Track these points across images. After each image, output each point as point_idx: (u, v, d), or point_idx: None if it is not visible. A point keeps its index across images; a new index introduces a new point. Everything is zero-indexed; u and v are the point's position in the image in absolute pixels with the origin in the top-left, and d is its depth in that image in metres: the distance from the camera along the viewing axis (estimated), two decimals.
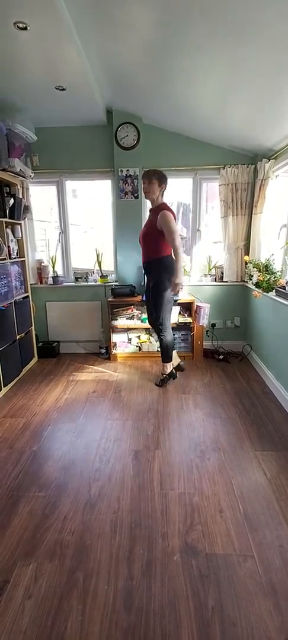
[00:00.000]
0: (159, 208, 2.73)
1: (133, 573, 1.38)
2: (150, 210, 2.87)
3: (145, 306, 3.28)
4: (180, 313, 3.65)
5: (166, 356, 3.05)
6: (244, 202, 3.51)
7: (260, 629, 1.18)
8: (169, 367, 3.09)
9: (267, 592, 1.30)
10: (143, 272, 3.29)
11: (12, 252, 3.23)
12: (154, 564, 1.41)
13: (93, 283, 3.88)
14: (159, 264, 2.80)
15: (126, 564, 1.42)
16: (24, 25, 1.87)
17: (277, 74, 2.03)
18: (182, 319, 3.61)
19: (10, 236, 3.23)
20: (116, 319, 3.66)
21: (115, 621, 1.21)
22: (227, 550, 1.47)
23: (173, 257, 2.73)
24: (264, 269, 3.12)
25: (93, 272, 3.97)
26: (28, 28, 1.90)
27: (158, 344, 3.14)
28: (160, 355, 3.13)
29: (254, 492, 1.80)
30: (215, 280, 3.82)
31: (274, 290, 2.87)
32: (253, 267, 3.28)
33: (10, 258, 3.18)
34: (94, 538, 1.54)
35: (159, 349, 3.09)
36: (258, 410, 2.62)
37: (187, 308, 3.71)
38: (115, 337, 3.73)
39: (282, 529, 1.57)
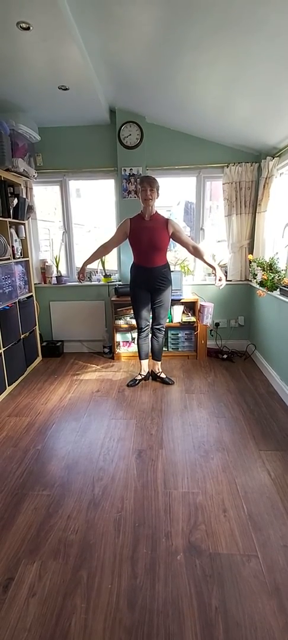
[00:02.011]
0: (160, 217, 2.74)
1: (137, 572, 1.38)
2: (147, 219, 2.70)
3: (141, 307, 2.92)
4: (183, 312, 3.64)
5: (161, 354, 3.16)
6: (248, 201, 3.50)
7: (264, 629, 1.17)
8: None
9: (271, 592, 1.29)
10: (135, 274, 2.87)
11: (16, 252, 3.25)
12: (158, 563, 1.41)
13: (97, 283, 3.88)
14: (168, 270, 2.87)
15: (130, 563, 1.42)
16: (27, 26, 1.88)
17: (279, 66, 2.00)
18: (185, 318, 3.60)
19: (14, 236, 3.24)
20: (120, 319, 3.66)
21: (119, 619, 1.21)
22: (231, 550, 1.46)
23: (197, 255, 2.81)
24: (268, 268, 3.10)
25: (96, 271, 3.98)
26: (31, 28, 1.90)
27: (150, 345, 3.10)
28: (151, 354, 3.17)
29: (258, 491, 1.79)
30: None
31: (278, 289, 2.85)
32: (258, 266, 3.26)
33: (14, 258, 3.20)
34: (97, 537, 1.55)
35: (154, 350, 3.09)
36: (263, 410, 2.61)
37: (190, 307, 3.70)
38: (119, 337, 3.73)
39: (286, 529, 1.56)
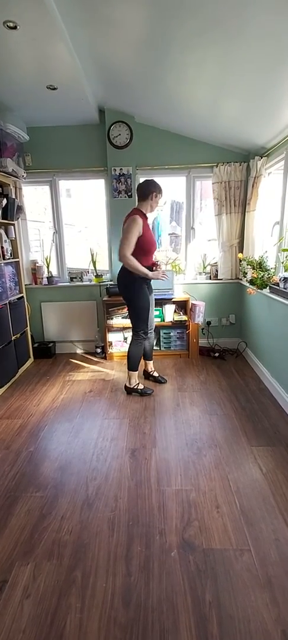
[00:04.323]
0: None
1: (131, 570, 1.39)
2: (146, 218, 2.63)
3: (147, 311, 2.73)
4: (175, 311, 3.66)
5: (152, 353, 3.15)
6: (237, 200, 3.53)
7: (257, 621, 1.19)
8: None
9: (264, 585, 1.32)
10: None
11: (5, 253, 3.22)
12: (152, 561, 1.42)
13: (88, 283, 3.87)
14: None
15: (124, 561, 1.42)
16: (14, 25, 1.86)
17: (266, 67, 2.03)
18: (177, 317, 3.62)
19: (4, 237, 3.21)
20: (112, 318, 3.66)
21: (114, 618, 1.22)
22: (224, 545, 1.48)
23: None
24: (258, 266, 3.14)
25: (88, 271, 3.96)
26: (18, 27, 1.89)
27: (150, 346, 3.06)
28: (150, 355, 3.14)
29: (250, 487, 1.82)
30: (210, 278, 3.84)
31: (268, 287, 2.89)
32: (247, 265, 3.30)
33: (4, 259, 3.16)
34: (91, 536, 1.55)
35: (146, 350, 3.05)
36: (254, 407, 2.65)
37: (182, 306, 3.72)
38: (111, 337, 3.73)
39: (277, 523, 1.59)
